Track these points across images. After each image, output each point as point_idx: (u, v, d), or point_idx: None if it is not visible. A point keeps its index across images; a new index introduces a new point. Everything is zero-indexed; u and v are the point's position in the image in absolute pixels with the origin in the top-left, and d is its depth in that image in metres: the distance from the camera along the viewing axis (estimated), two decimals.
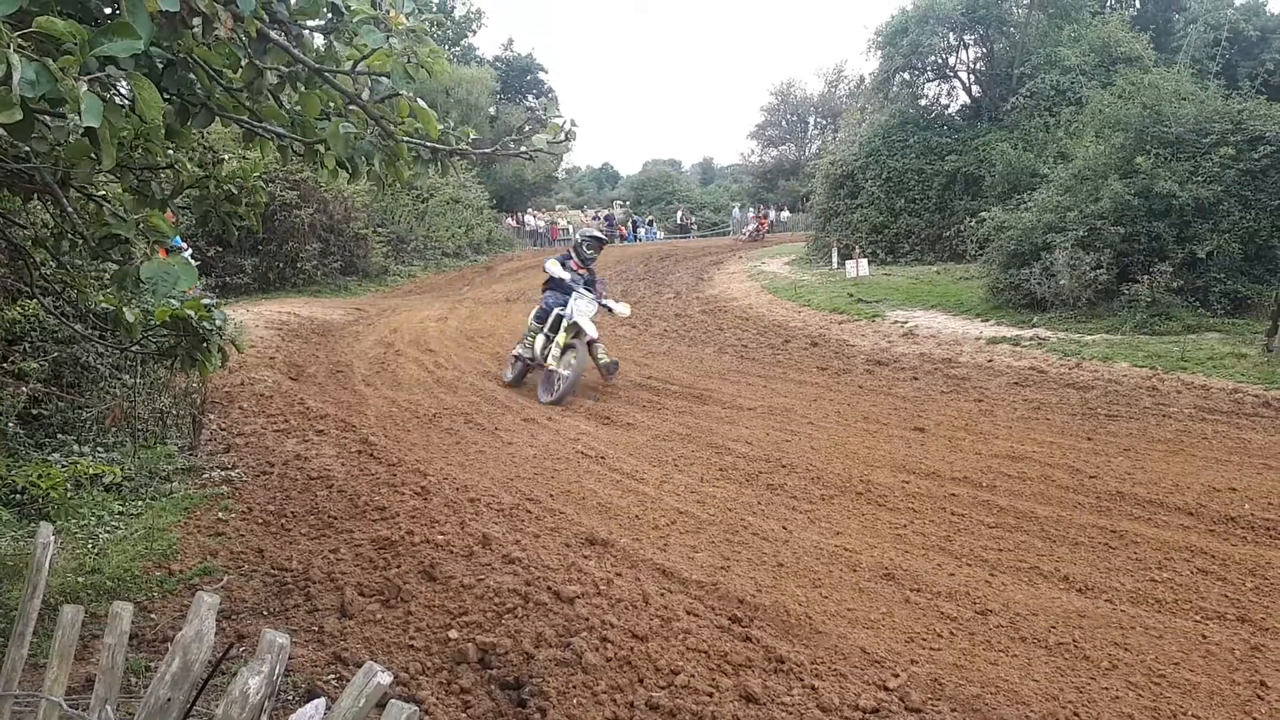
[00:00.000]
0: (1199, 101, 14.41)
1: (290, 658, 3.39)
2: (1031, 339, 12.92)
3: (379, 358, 13.10)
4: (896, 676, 3.97)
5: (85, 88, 1.78)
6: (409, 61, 2.61)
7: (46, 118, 2.75)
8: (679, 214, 51.87)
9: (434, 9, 43.58)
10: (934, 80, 27.37)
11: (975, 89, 26.45)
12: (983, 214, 16.64)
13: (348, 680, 3.74)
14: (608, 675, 3.91)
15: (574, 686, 3.83)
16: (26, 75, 1.72)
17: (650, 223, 50.40)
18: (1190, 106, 14.19)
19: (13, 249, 4.06)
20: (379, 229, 25.62)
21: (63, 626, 2.14)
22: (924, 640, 4.42)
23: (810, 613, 4.64)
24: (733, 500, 6.61)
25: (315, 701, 1.62)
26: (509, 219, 42.82)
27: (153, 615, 4.57)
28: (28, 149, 2.43)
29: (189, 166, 3.69)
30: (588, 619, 4.37)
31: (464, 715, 3.72)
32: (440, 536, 5.47)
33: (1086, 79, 21.52)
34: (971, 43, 26.10)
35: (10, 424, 6.02)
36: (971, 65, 26.56)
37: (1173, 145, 13.87)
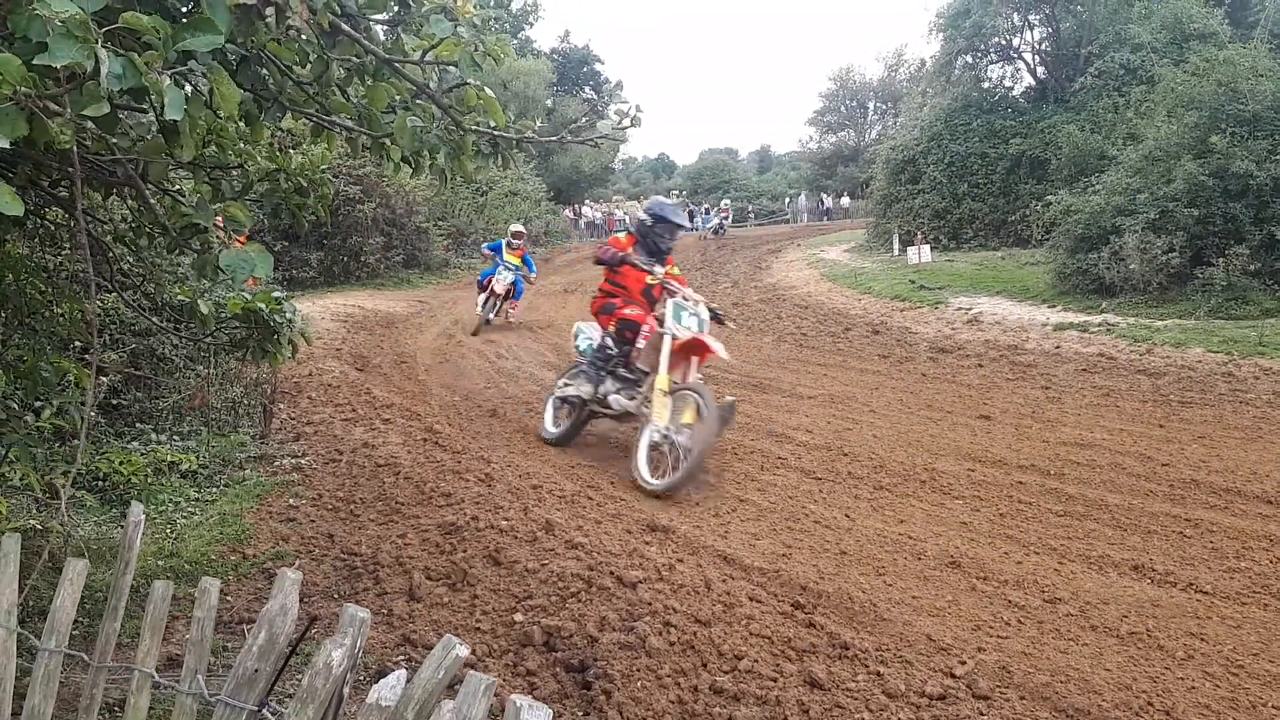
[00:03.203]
0: (1277, 77, 13.89)
1: None
2: (1100, 325, 12.61)
3: (441, 349, 13.29)
4: (964, 664, 3.93)
5: (169, 81, 1.84)
6: (476, 50, 2.65)
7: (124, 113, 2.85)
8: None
9: (493, 3, 44.01)
10: (997, 62, 26.79)
11: (1040, 70, 25.81)
12: (1049, 198, 16.24)
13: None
14: (671, 659, 3.93)
15: (638, 670, 3.86)
16: (114, 70, 1.78)
17: (706, 210, 50.12)
18: (1268, 83, 13.68)
19: (93, 244, 4.20)
20: (440, 222, 25.96)
21: (154, 600, 2.23)
22: (991, 628, 4.36)
23: (874, 600, 4.60)
24: (793, 488, 6.58)
25: (396, 673, 1.66)
26: (566, 211, 43.01)
27: (229, 598, 4.70)
28: (112, 142, 2.51)
29: (259, 160, 3.78)
30: (650, 604, 4.39)
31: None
32: (505, 522, 5.54)
33: (1158, 57, 20.84)
34: (1037, 23, 25.46)
35: (93, 413, 6.25)
36: (1037, 46, 25.92)
37: (1250, 123, 13.38)
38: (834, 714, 3.55)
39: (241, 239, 3.15)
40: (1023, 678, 3.83)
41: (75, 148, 2.11)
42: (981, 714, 3.56)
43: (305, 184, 3.87)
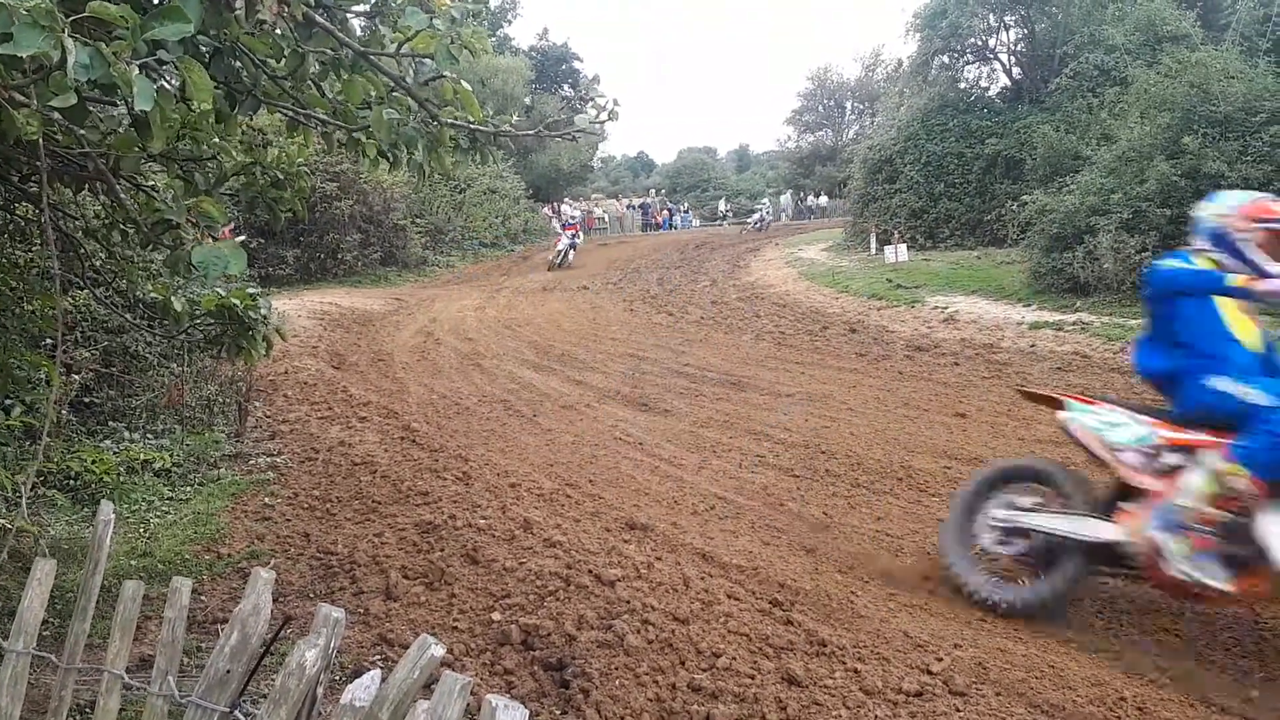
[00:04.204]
0: (1248, 80, 14.04)
1: None
2: (1075, 324, 12.70)
3: (419, 346, 13.22)
4: (940, 660, 3.94)
5: (137, 72, 1.81)
6: (452, 42, 2.62)
7: (95, 106, 2.81)
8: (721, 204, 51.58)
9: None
10: (974, 63, 26.91)
11: (1016, 71, 25.98)
12: (1024, 197, 16.33)
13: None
14: (650, 657, 3.93)
15: (616, 668, 3.85)
16: (81, 59, 1.75)
17: (686, 210, 50.21)
18: (1239, 85, 13.83)
19: (64, 240, 4.14)
20: (417, 220, 25.83)
21: (124, 601, 2.19)
22: (968, 625, 4.39)
23: (852, 597, 4.62)
24: (772, 486, 6.59)
25: (371, 673, 1.64)
26: (545, 208, 42.85)
27: (202, 597, 4.65)
28: (79, 137, 2.47)
29: (234, 154, 3.74)
30: (629, 602, 4.38)
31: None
32: (482, 521, 5.51)
33: (1131, 58, 20.99)
34: (1012, 23, 25.61)
35: (64, 411, 6.16)
36: (1012, 46, 26.09)
37: (1221, 125, 13.53)
38: (811, 711, 3.55)
39: (226, 232, 3.11)
40: (999, 674, 3.85)
41: (43, 140, 2.07)
42: (958, 710, 3.58)
43: (282, 177, 3.83)
